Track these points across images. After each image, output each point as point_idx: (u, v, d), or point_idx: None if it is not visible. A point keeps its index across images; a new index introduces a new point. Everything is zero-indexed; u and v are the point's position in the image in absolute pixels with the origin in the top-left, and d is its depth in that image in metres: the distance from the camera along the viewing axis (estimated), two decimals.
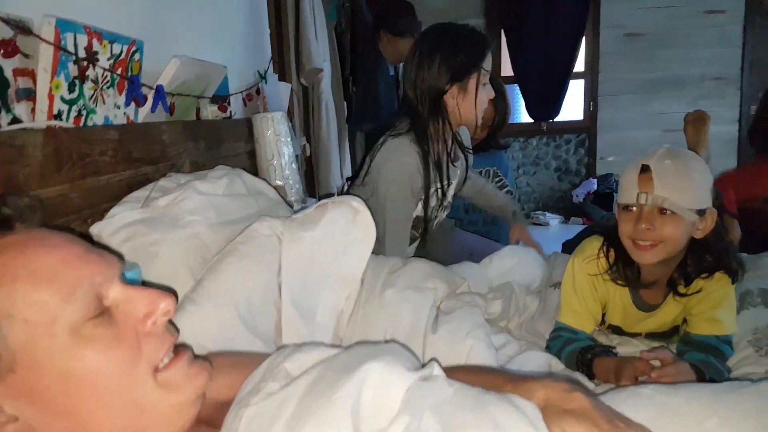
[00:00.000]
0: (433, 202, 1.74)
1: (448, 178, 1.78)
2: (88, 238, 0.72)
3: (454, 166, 1.81)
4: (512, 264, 1.68)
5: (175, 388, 0.68)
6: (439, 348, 1.22)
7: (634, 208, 1.23)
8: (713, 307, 1.29)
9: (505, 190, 2.26)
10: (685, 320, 1.36)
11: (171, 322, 0.74)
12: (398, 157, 1.68)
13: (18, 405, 0.60)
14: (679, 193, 1.18)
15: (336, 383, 0.67)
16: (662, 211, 1.19)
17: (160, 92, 1.46)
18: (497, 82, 2.18)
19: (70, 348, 0.60)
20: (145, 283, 1.07)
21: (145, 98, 1.42)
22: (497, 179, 2.31)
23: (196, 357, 0.74)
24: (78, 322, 0.61)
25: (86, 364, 0.61)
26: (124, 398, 0.64)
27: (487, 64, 1.68)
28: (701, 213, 1.21)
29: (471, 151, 1.89)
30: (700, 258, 1.27)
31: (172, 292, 0.88)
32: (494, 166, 2.32)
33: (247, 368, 0.79)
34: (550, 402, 0.74)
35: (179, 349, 0.71)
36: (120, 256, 1.11)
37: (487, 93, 1.70)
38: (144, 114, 1.45)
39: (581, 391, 0.75)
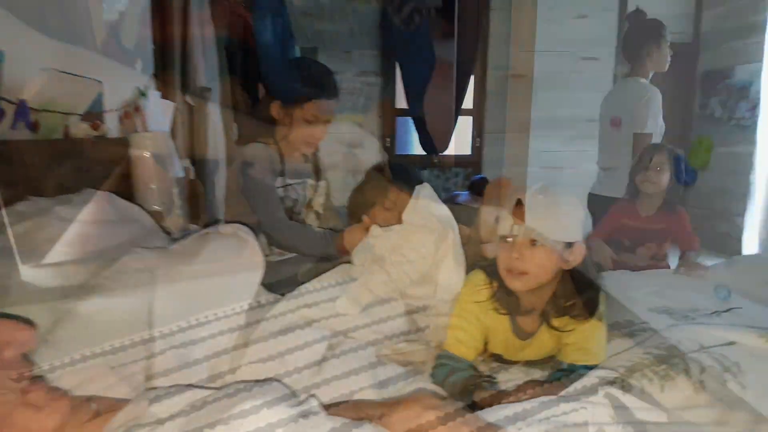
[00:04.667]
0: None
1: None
2: None
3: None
4: None
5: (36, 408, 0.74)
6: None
7: (510, 239, 1.33)
8: (585, 338, 1.39)
9: None
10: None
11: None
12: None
13: None
14: (547, 226, 1.30)
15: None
16: (533, 242, 1.30)
17: (22, 108, 1.34)
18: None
19: None
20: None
21: (3, 112, 1.29)
22: None
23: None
24: None
25: None
26: None
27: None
28: (569, 246, 1.32)
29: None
30: (568, 288, 1.37)
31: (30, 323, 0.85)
32: None
33: (108, 414, 0.80)
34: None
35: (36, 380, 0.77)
36: None
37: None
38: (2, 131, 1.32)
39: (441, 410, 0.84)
